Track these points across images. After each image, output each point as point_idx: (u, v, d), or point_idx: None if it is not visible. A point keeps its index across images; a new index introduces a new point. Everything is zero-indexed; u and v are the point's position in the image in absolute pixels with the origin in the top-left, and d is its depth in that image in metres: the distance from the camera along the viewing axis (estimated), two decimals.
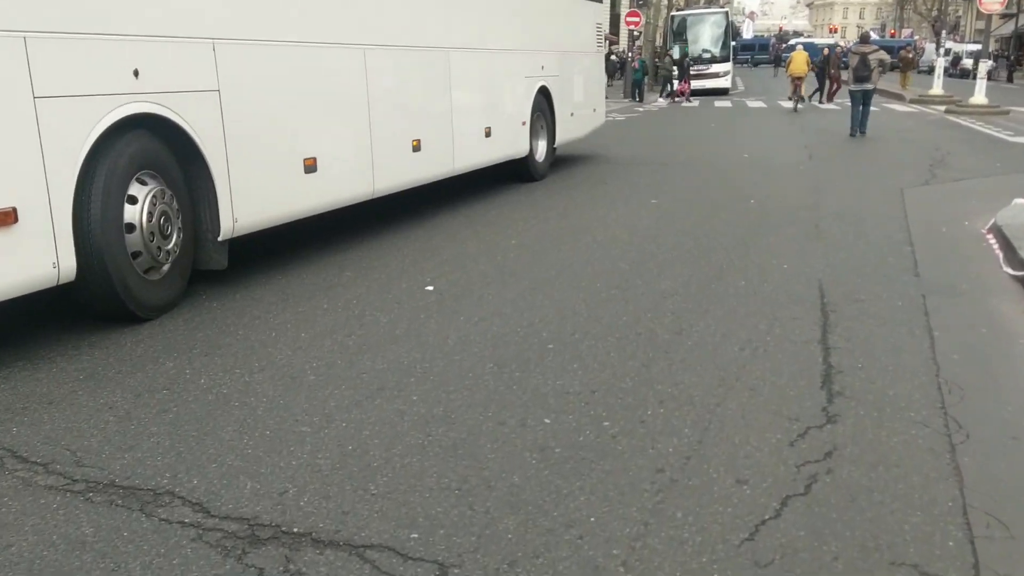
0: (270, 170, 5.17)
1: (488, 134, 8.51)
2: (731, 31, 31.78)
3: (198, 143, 4.48)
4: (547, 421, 3.10)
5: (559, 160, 11.50)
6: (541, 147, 10.24)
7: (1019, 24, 43.30)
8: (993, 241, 6.29)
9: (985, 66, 21.96)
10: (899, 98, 25.33)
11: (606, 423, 3.10)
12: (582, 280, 5.29)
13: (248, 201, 4.90)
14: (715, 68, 30.31)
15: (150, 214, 4.22)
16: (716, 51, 30.68)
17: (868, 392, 3.43)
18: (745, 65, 57.83)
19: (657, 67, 33.76)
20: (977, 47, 35.63)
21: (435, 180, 7.59)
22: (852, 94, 15.17)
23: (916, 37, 55.81)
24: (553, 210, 7.97)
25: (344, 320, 4.45)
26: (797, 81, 23.22)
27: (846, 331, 4.21)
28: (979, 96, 20.95)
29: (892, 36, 64.16)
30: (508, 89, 9.04)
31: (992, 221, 6.75)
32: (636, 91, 26.61)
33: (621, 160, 11.91)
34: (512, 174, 9.73)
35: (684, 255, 5.95)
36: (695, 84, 29.82)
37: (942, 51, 25.64)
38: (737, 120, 19.50)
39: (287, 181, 5.37)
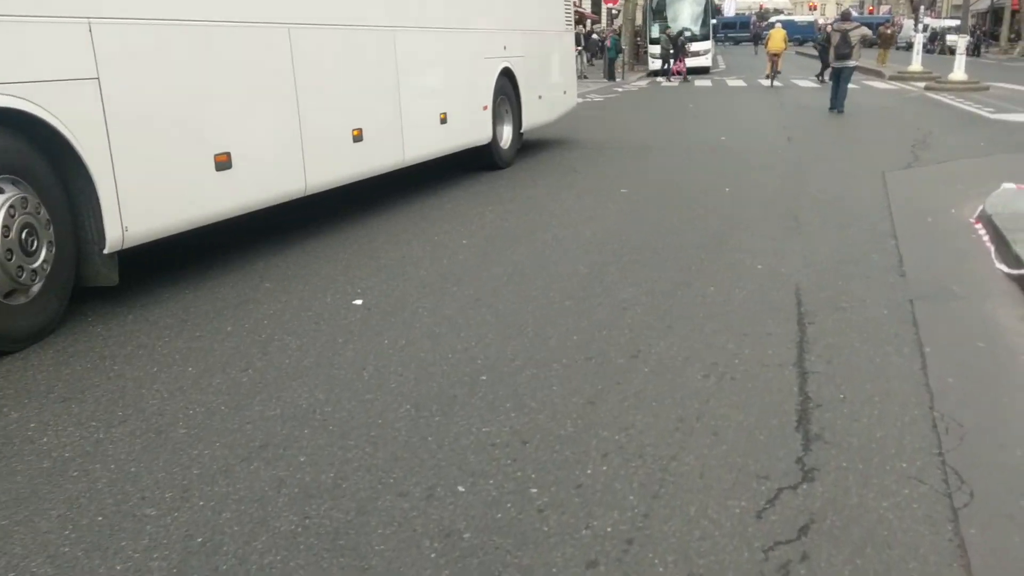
0: (169, 170, 4.51)
1: (444, 120, 7.86)
2: (711, 9, 31.05)
3: (72, 141, 3.82)
4: (461, 490, 2.52)
5: (528, 145, 10.87)
6: (506, 133, 9.60)
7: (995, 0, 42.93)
8: (983, 232, 5.76)
9: (964, 41, 21.48)
10: (878, 75, 24.82)
11: (534, 490, 2.52)
12: (534, 288, 4.70)
13: (141, 206, 4.24)
14: (695, 47, 29.59)
15: (5, 228, 3.57)
16: (696, 29, 29.98)
17: (851, 433, 2.87)
18: (727, 43, 57.19)
19: (638, 46, 33.19)
20: (955, 23, 35.18)
21: (382, 172, 6.95)
22: (834, 71, 15.25)
23: (894, 14, 55.30)
24: (514, 202, 7.36)
25: (246, 348, 3.83)
26: (775, 57, 23.54)
27: (826, 350, 3.66)
28: (959, 72, 20.46)
29: (871, 13, 63.66)
30: (466, 71, 8.38)
31: (980, 208, 6.23)
32: (610, 70, 25.93)
33: (594, 144, 11.29)
34: (475, 162, 9.12)
35: (651, 255, 5.38)
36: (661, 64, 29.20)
37: (920, 27, 25.11)
38: (716, 100, 18.90)
39: (193, 181, 4.72)
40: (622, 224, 6.35)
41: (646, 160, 9.75)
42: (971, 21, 43.12)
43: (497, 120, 9.42)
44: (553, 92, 10.81)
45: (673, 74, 25.79)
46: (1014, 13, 40.31)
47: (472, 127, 8.48)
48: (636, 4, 31.44)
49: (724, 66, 34.64)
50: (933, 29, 44.23)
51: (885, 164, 8.86)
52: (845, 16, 19.99)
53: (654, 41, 30.03)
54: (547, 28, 10.60)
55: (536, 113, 10.23)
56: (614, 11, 28.56)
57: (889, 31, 30.68)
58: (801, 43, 55.51)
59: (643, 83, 25.44)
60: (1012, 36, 40.18)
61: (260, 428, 3.02)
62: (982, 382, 3.32)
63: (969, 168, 8.77)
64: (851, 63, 15.47)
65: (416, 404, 3.19)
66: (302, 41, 5.72)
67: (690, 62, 29.17)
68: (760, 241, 5.68)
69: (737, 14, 74.26)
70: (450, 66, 8.06)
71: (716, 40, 50.91)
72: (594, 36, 31.38)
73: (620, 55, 26.37)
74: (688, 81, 25.09)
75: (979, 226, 5.94)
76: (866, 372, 3.40)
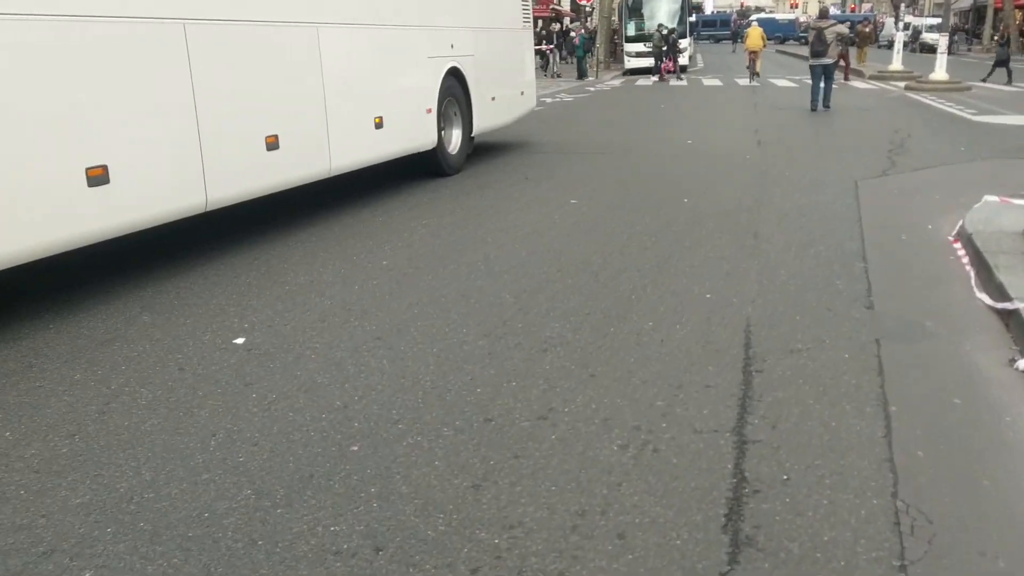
0: (29, 183, 3.86)
1: (379, 125, 7.21)
2: (688, 6, 30.55)
3: None
4: None
5: (483, 150, 10.26)
6: (454, 137, 8.97)
7: None
8: (962, 252, 5.21)
9: (945, 40, 21.08)
10: (858, 74, 24.40)
11: None
12: (446, 323, 4.08)
13: None
14: None
15: None
16: (673, 27, 29.49)
17: (792, 535, 2.27)
18: (708, 41, 56.78)
19: (616, 44, 32.60)
20: (936, 20, 34.91)
21: (303, 183, 6.30)
22: (812, 68, 15.14)
23: (875, 12, 55.13)
24: (454, 215, 6.74)
25: (84, 404, 3.19)
26: (753, 55, 23.33)
27: (772, 409, 3.07)
28: (939, 72, 20.06)
29: (852, 11, 63.55)
30: (405, 71, 7.73)
31: (960, 225, 5.68)
32: (581, 69, 25.41)
33: (554, 148, 10.69)
34: (421, 169, 8.50)
35: (589, 280, 4.77)
36: (650, 63, 28.66)
37: (901, 24, 24.73)
38: (689, 100, 18.35)
39: (63, 197, 4.07)
40: (565, 241, 5.75)
41: (605, 165, 9.16)
42: (953, 19, 43.00)
43: (445, 123, 8.79)
44: (509, 93, 10.19)
45: (664, 72, 25.16)
46: (997, 11, 40.11)
47: (413, 132, 7.84)
48: (612, 1, 30.90)
49: (702, 64, 34.14)
50: (916, 27, 44.07)
51: (859, 171, 8.31)
52: (823, 14, 19.63)
53: (630, 39, 29.56)
54: (501, 26, 9.97)
55: (489, 116, 9.61)
56: (588, 8, 27.91)
57: (867, 29, 30.30)
58: (782, 41, 55.29)
59: (617, 82, 24.85)
60: (995, 35, 40.04)
61: (54, 524, 2.38)
62: (958, 456, 2.73)
63: (949, 176, 8.23)
64: (827, 60, 15.31)
65: (259, 489, 2.57)
66: (200, 38, 5.05)
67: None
68: (713, 263, 5.09)
69: (717, 12, 74.02)
70: (387, 66, 7.40)
71: (697, 38, 50.80)
72: (572, 34, 30.80)
73: (590, 53, 25.80)
74: (681, 79, 24.43)
75: (958, 245, 5.39)
76: (818, 442, 2.81)
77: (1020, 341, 3.71)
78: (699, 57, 39.76)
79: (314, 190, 6.69)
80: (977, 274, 4.71)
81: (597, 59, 29.63)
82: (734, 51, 42.85)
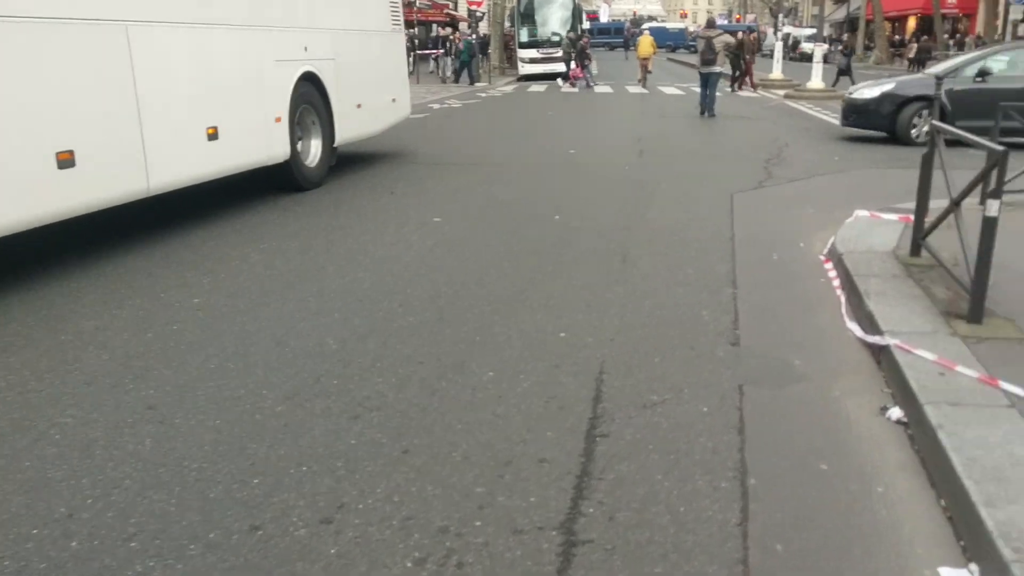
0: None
1: (214, 136, 6.37)
2: (580, 13, 30.59)
3: None
4: None
5: (354, 160, 9.53)
6: (313, 148, 8.20)
7: (851, 9, 45.05)
8: (833, 274, 4.91)
9: (821, 50, 21.79)
10: (745, 83, 24.93)
11: None
12: (245, 383, 3.37)
13: None
14: (563, 52, 29.09)
15: None
16: (564, 34, 29.47)
17: None
18: (603, 48, 57.57)
19: (511, 50, 32.28)
20: (813, 31, 36.50)
21: (112, 205, 5.41)
22: (702, 76, 15.55)
23: (759, 23, 57.43)
24: (298, 237, 5.99)
25: None
26: (644, 62, 24.17)
27: (613, 491, 2.53)
28: (816, 80, 20.71)
29: (738, 21, 66.03)
30: (245, 77, 6.90)
31: (831, 243, 5.43)
32: (464, 74, 25.07)
33: (429, 158, 10.05)
34: (274, 183, 7.70)
35: (432, 318, 4.17)
36: (543, 68, 28.52)
37: (779, 35, 25.53)
38: (578, 107, 18.13)
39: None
40: (417, 268, 5.13)
41: (480, 178, 8.60)
42: (828, 31, 45.14)
43: (303, 133, 8.04)
44: (377, 100, 9.48)
45: (573, 78, 24.83)
46: (868, 23, 42.37)
47: (258, 143, 7.04)
48: (504, 8, 30.61)
49: (596, 71, 34.29)
50: (795, 38, 46.01)
51: (736, 183, 8.09)
52: (710, 24, 19.91)
53: (524, 45, 29.33)
54: (367, 28, 9.26)
55: (354, 124, 8.88)
56: (478, 13, 27.46)
57: (751, 38, 31.25)
58: (673, 49, 56.74)
59: (510, 88, 24.48)
60: (867, 44, 42.21)
61: None
62: (822, 550, 2.27)
63: (823, 187, 8.11)
64: (716, 68, 15.60)
65: None
66: None
67: (558, 67, 28.67)
68: (574, 293, 4.59)
69: (612, 20, 75.45)
70: (220, 70, 6.54)
71: (591, 45, 51.32)
72: (449, 41, 30.26)
73: (476, 59, 25.46)
74: (590, 87, 24.15)
75: (829, 265, 5.10)
76: (660, 538, 2.29)
77: (892, 382, 3.36)
78: (594, 64, 40.07)
79: (135, 209, 5.81)
80: (848, 299, 4.40)
81: (491, 65, 29.30)
82: (627, 58, 43.48)
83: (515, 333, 3.94)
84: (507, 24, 31.77)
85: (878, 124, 11.38)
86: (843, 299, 4.41)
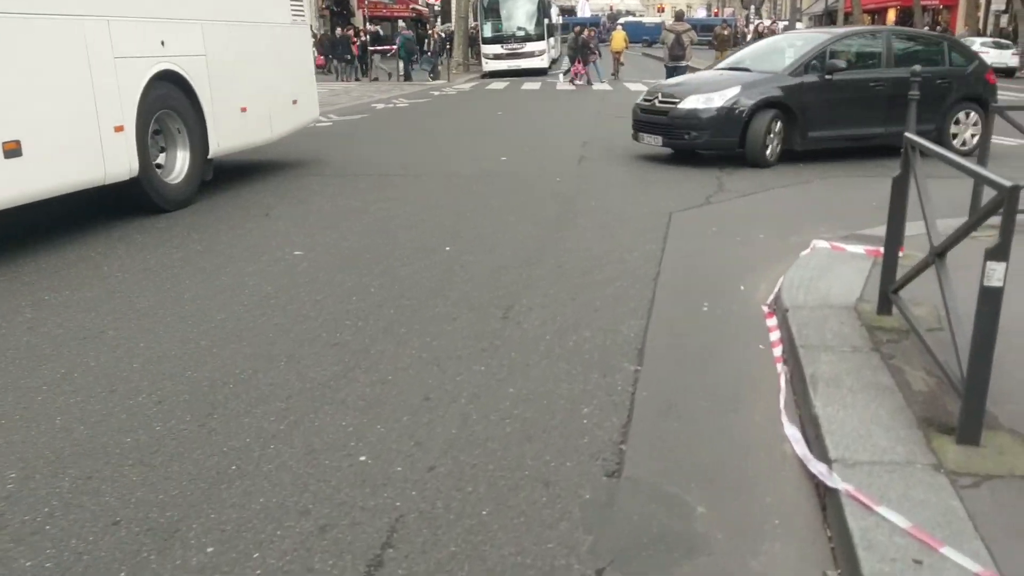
0: None
1: (15, 152, 5.02)
2: (544, 8, 29.26)
3: None
4: None
5: (242, 171, 8.24)
6: (179, 161, 6.88)
7: (829, 2, 44.04)
8: (776, 336, 3.67)
9: None
10: None
11: None
12: None
13: None
14: (529, 47, 27.82)
15: None
16: (531, 29, 28.18)
17: None
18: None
19: (473, 44, 30.94)
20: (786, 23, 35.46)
21: None
22: (668, 71, 14.91)
23: (737, 16, 56.37)
24: (105, 282, 4.65)
25: None
26: (616, 55, 24.61)
27: None
28: None
29: (716, 15, 64.96)
30: (67, 77, 5.52)
31: (778, 286, 4.20)
32: (422, 71, 24.01)
33: (336, 169, 8.71)
34: (129, 203, 6.40)
35: (190, 427, 2.89)
36: (508, 65, 27.21)
37: (751, 27, 24.45)
38: (532, 105, 16.83)
39: None
40: (231, 329, 3.84)
41: (383, 193, 7.28)
42: (808, 23, 44.13)
43: (168, 143, 6.74)
44: (271, 103, 8.15)
45: (575, 75, 23.49)
46: (847, 15, 41.38)
47: (86, 158, 5.69)
48: (469, 2, 29.26)
49: (567, 66, 33.00)
50: (772, 31, 44.97)
51: (680, 198, 6.83)
52: (678, 17, 18.79)
53: (488, 40, 28.01)
54: (255, 19, 7.92)
55: (237, 132, 7.56)
56: (436, 8, 26.12)
57: (726, 32, 30.15)
58: (650, 44, 55.49)
59: (468, 86, 23.07)
60: None
61: None
62: None
63: (778, 203, 6.83)
64: (684, 63, 14.71)
65: None
66: None
67: (524, 63, 27.40)
68: (415, 373, 3.31)
69: (593, 14, 74.16)
70: (23, 70, 5.15)
71: (564, 40, 50.06)
72: (443, 35, 28.90)
73: (413, 56, 24.48)
74: (590, 86, 22.76)
75: (772, 321, 3.86)
76: None
77: (841, 556, 2.12)
78: (565, 59, 38.89)
79: None
80: (790, 381, 3.17)
81: (454, 61, 27.96)
82: (600, 54, 42.34)
83: (292, 455, 2.67)
84: (471, 20, 30.41)
85: (720, 142, 8.43)
86: (783, 382, 3.17)
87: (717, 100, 8.36)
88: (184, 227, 6.08)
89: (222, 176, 7.86)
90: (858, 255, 4.57)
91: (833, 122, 8.56)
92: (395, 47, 24.63)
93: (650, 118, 8.94)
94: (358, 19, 34.16)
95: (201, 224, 6.18)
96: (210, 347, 3.64)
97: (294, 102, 8.73)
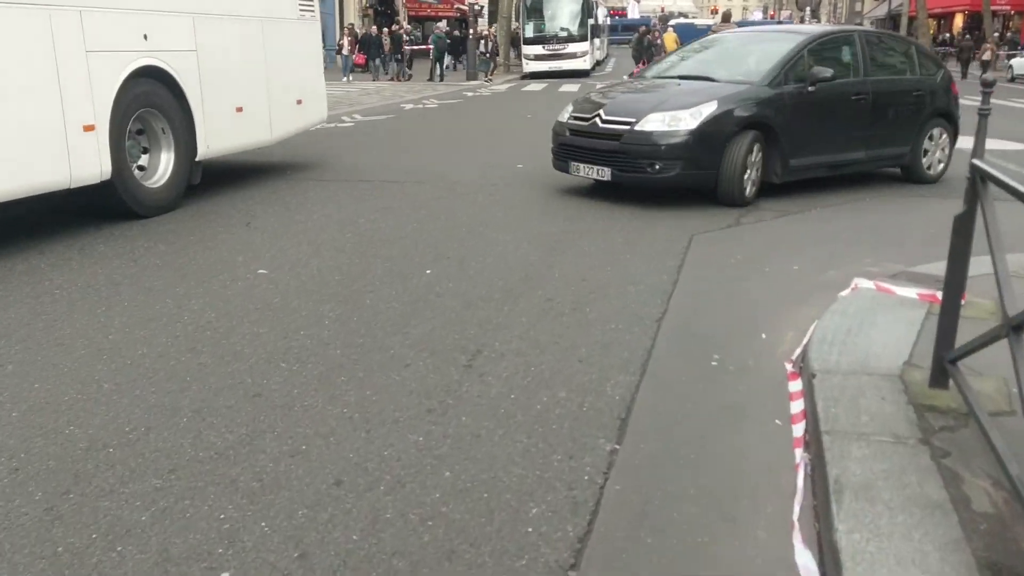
0: None
1: None
2: (591, 8, 28.46)
3: None
4: None
5: (237, 174, 7.73)
6: (162, 164, 6.37)
7: (892, 5, 42.19)
8: (798, 409, 2.93)
9: None
10: None
11: None
12: None
13: None
14: (571, 48, 27.05)
15: None
16: (574, 29, 27.42)
17: None
18: (625, 45, 55.37)
19: (515, 45, 30.30)
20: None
21: None
22: None
23: (794, 19, 54.66)
24: (39, 301, 4.15)
25: None
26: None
27: None
28: None
29: (772, 17, 63.23)
30: (27, 72, 5.03)
31: (807, 337, 3.44)
32: (433, 71, 23.72)
33: (337, 175, 8.12)
34: (106, 207, 5.93)
35: (35, 512, 2.31)
36: (549, 66, 26.50)
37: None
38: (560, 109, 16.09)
39: None
40: (161, 361, 3.25)
41: (377, 203, 6.60)
42: (872, 26, 42.35)
43: (151, 144, 6.26)
44: (272, 103, 7.61)
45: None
46: (911, 19, 39.55)
47: (47, 160, 5.21)
48: (512, 2, 28.63)
49: (611, 69, 32.20)
50: None
51: (703, 218, 6.04)
52: (725, 18, 18.04)
53: (529, 41, 27.34)
54: (256, 13, 7.38)
55: (231, 133, 7.04)
56: (477, 7, 25.56)
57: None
58: None
59: (505, 87, 22.41)
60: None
61: None
62: None
63: (818, 226, 6.00)
64: None
65: None
66: None
67: (565, 64, 26.64)
68: (347, 437, 2.67)
69: (642, 16, 72.99)
70: None
71: (616, 43, 49.07)
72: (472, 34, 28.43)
73: (444, 55, 24.03)
74: None
75: (796, 385, 3.12)
76: None
77: None
78: (612, 61, 38.11)
79: None
80: (810, 476, 2.44)
81: (498, 61, 27.37)
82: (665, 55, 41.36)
83: (136, 566, 2.04)
84: (514, 20, 29.79)
85: (696, 176, 6.31)
86: (800, 480, 2.44)
87: (688, 120, 6.23)
88: (153, 236, 5.56)
89: (217, 179, 7.37)
90: (909, 299, 3.77)
91: (814, 147, 6.84)
92: (428, 46, 24.19)
93: (591, 143, 6.70)
94: (403, 19, 33.87)
95: (174, 233, 5.66)
96: (111, 392, 3.06)
97: (298, 102, 8.18)
